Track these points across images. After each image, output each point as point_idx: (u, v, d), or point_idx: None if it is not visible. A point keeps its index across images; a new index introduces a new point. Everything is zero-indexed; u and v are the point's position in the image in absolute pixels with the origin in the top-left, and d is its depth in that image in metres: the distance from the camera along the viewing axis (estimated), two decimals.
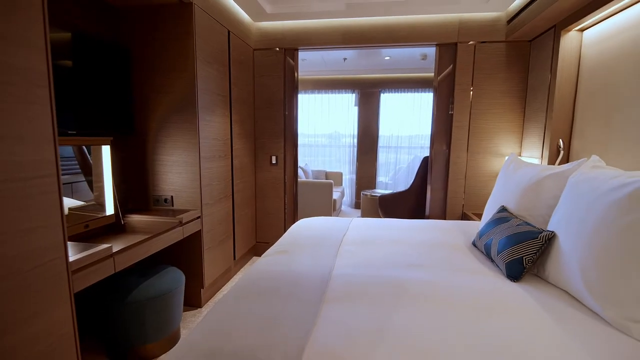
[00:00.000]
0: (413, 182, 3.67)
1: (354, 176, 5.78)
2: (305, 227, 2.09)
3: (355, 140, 5.67)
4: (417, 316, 1.01)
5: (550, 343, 0.90)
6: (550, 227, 1.36)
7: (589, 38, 2.14)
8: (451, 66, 2.84)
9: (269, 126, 3.15)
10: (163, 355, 1.79)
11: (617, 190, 1.06)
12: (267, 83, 3.09)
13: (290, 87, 3.11)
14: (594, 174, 1.24)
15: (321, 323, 0.97)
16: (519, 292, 1.20)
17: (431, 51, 3.81)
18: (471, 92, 2.81)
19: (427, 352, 0.84)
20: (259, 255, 3.29)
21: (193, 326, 2.07)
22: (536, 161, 2.50)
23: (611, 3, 1.78)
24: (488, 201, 1.94)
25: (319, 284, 1.24)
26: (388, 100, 5.49)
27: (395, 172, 5.73)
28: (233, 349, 0.86)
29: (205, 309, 2.26)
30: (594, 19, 2.01)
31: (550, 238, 1.29)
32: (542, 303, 1.13)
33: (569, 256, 1.18)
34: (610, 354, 0.86)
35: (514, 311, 1.07)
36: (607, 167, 1.31)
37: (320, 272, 1.35)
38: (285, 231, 3.24)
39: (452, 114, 2.86)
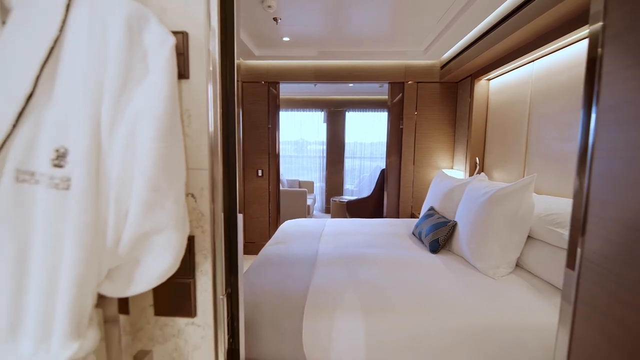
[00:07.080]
0: (373, 190, 4.44)
1: (323, 184, 6.50)
2: (292, 226, 2.75)
3: (325, 153, 6.41)
4: (373, 271, 1.71)
5: (446, 281, 1.63)
6: (456, 219, 2.13)
7: (493, 87, 3.02)
8: (400, 94, 3.64)
9: (256, 145, 3.78)
10: None
11: (483, 196, 1.83)
12: (254, 109, 3.73)
13: (273, 113, 3.77)
14: (477, 185, 2.02)
15: (316, 276, 1.64)
16: (435, 259, 1.95)
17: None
18: (415, 119, 3.63)
19: (378, 286, 1.54)
20: (248, 253, 3.88)
21: None
22: (462, 173, 3.35)
23: (503, 67, 2.64)
24: (424, 203, 2.72)
25: (311, 258, 1.91)
26: (352, 118, 6.30)
27: (359, 180, 6.53)
28: (268, 289, 1.51)
29: None
30: (494, 74, 2.88)
31: (454, 225, 2.06)
32: (447, 264, 1.87)
33: (462, 235, 1.94)
34: (475, 285, 1.60)
35: (429, 268, 1.80)
36: (486, 181, 2.11)
37: (310, 252, 2.03)
38: (269, 232, 3.87)
39: (402, 128, 3.64)
